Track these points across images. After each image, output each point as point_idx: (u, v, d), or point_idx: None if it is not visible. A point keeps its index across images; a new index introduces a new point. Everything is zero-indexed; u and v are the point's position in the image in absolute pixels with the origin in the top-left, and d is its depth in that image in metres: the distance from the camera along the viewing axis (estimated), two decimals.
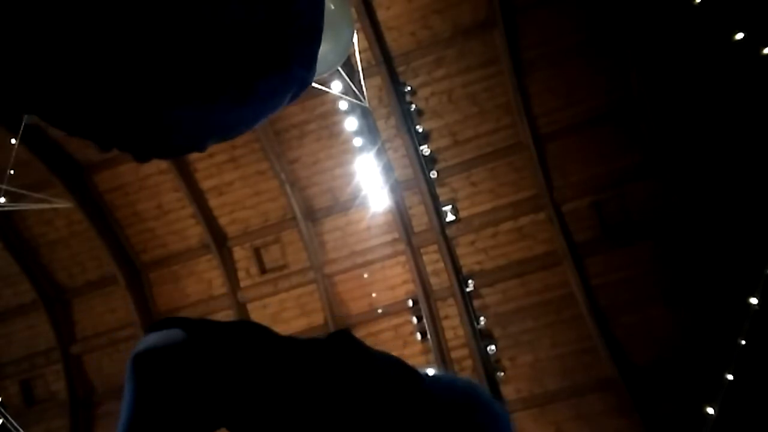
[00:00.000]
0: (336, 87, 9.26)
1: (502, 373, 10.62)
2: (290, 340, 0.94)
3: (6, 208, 9.68)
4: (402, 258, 10.94)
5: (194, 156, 10.42)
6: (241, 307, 11.33)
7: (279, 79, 0.84)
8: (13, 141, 9.48)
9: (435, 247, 10.81)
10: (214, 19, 0.73)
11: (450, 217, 10.67)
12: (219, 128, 0.86)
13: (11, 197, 9.63)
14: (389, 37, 10.15)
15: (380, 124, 10.60)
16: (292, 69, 0.85)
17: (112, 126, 0.77)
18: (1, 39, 0.68)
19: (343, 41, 5.48)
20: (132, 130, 0.78)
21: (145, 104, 0.74)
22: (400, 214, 10.74)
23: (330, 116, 10.56)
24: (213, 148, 10.48)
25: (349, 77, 9.17)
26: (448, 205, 10.71)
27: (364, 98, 9.40)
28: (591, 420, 10.28)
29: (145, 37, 0.70)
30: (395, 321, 11.08)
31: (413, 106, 10.40)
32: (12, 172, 9.51)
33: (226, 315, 11.42)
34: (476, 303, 10.73)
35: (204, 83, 0.76)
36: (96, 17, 0.68)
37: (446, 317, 10.89)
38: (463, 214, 10.75)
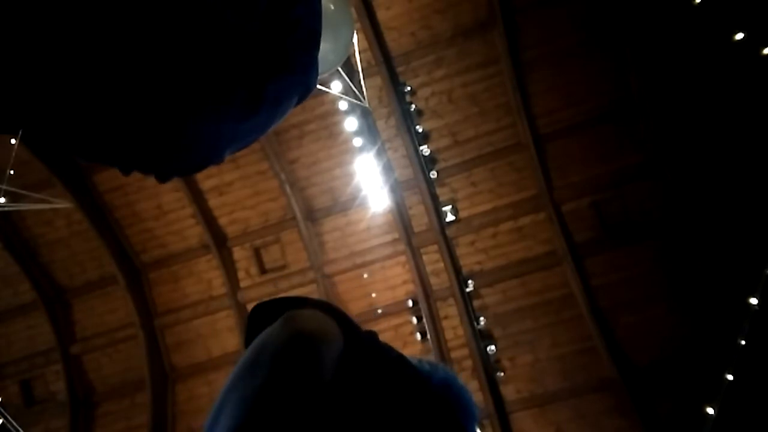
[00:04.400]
0: (336, 87, 9.25)
1: (502, 373, 10.62)
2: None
3: (6, 208, 9.68)
4: (402, 258, 10.94)
5: None
6: (241, 307, 11.33)
7: (285, 82, 0.84)
8: (13, 141, 9.48)
9: (435, 247, 10.81)
10: (210, 30, 0.73)
11: (450, 217, 10.67)
12: (235, 138, 0.86)
13: (11, 197, 9.63)
14: (389, 37, 10.15)
15: (380, 124, 10.60)
16: (295, 73, 0.85)
17: (133, 148, 0.77)
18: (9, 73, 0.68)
19: (343, 41, 5.48)
20: (152, 149, 0.78)
21: (160, 120, 0.74)
22: (400, 214, 10.73)
23: (330, 116, 10.55)
24: None
25: (349, 77, 9.17)
26: (448, 205, 10.71)
27: (364, 98, 9.40)
28: (591, 420, 10.28)
29: (145, 53, 0.70)
30: (395, 321, 11.08)
31: (413, 106, 10.40)
32: (12, 172, 9.51)
33: (226, 315, 11.44)
34: (476, 303, 10.72)
35: (213, 92, 0.76)
36: (95, 35, 0.68)
37: (446, 317, 10.89)
38: (463, 214, 10.75)
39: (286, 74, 0.83)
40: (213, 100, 0.77)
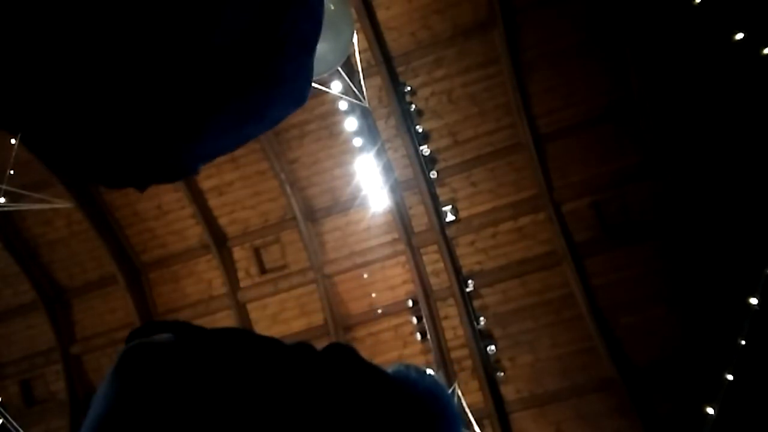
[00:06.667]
0: (336, 87, 9.25)
1: (502, 373, 10.62)
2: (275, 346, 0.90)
3: (6, 208, 9.68)
4: (402, 258, 10.94)
5: None
6: (241, 307, 11.33)
7: (276, 92, 0.84)
8: (13, 141, 9.48)
9: (435, 247, 10.81)
10: (197, 46, 0.73)
11: (450, 217, 10.67)
12: (216, 149, 0.85)
13: (11, 197, 9.63)
14: (389, 37, 10.15)
15: (380, 124, 10.60)
16: (286, 84, 0.84)
17: (110, 165, 0.77)
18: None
19: (343, 41, 5.49)
20: (129, 165, 0.77)
21: (139, 129, 0.74)
22: (400, 214, 10.73)
23: (330, 116, 10.56)
24: None
25: (349, 77, 9.17)
26: (448, 205, 10.71)
27: (364, 98, 9.40)
28: (591, 420, 10.28)
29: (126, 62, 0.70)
30: (395, 321, 11.08)
31: (413, 106, 10.40)
32: (12, 172, 9.51)
33: (226, 315, 11.43)
34: (476, 303, 10.73)
35: (198, 102, 0.75)
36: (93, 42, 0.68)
37: (446, 317, 10.89)
38: (463, 214, 10.75)
39: (277, 85, 0.83)
40: (198, 111, 0.76)
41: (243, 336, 0.87)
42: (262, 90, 0.81)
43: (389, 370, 0.95)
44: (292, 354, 0.87)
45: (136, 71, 0.70)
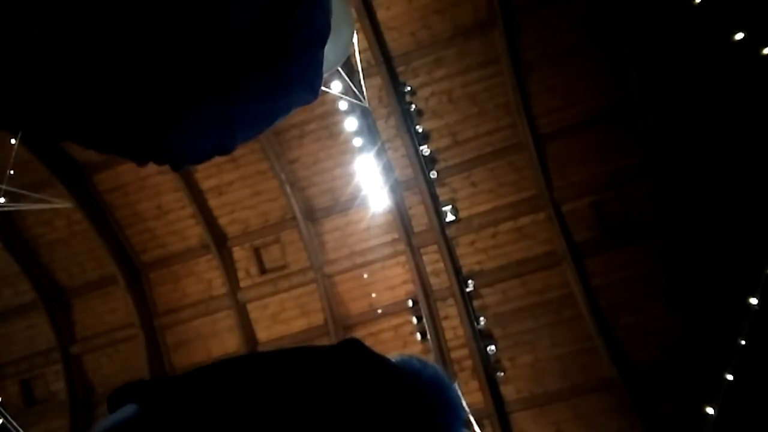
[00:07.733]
0: (336, 87, 9.26)
1: (502, 373, 10.62)
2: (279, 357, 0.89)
3: (6, 208, 9.68)
4: (402, 258, 10.94)
5: None
6: (241, 307, 11.33)
7: (289, 74, 0.85)
8: (13, 141, 9.48)
9: (435, 247, 10.81)
10: (211, 22, 0.74)
11: (450, 217, 10.67)
12: (243, 125, 0.86)
13: (11, 197, 9.63)
14: (389, 37, 10.15)
15: (380, 124, 10.60)
16: (298, 67, 0.86)
17: (141, 140, 0.78)
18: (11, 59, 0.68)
19: (343, 41, 5.49)
20: (157, 139, 0.79)
21: (162, 111, 0.75)
22: (400, 214, 10.73)
23: (330, 116, 10.56)
24: None
25: (349, 77, 9.17)
26: (448, 205, 10.71)
27: (364, 98, 9.40)
28: (591, 420, 10.28)
29: (151, 43, 0.71)
30: (395, 321, 11.08)
31: (413, 106, 10.40)
32: (12, 172, 9.51)
33: (226, 315, 11.44)
34: (476, 303, 10.72)
35: (218, 81, 0.77)
36: (102, 26, 0.68)
37: (446, 317, 10.89)
38: (463, 214, 10.75)
39: (289, 67, 0.84)
40: (218, 89, 0.78)
41: (224, 372, 0.84)
42: (277, 73, 0.82)
43: (393, 360, 0.96)
44: (284, 366, 0.86)
45: (152, 49, 0.71)
